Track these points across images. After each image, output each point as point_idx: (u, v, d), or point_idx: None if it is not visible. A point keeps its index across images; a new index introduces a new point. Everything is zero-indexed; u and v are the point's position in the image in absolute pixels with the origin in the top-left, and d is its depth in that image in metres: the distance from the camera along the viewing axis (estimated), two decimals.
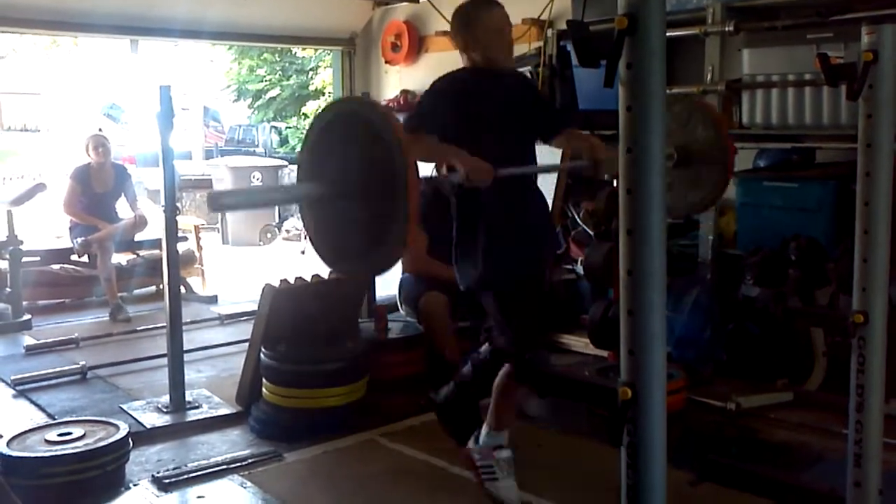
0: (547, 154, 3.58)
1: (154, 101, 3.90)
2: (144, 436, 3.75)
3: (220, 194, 2.13)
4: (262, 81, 18.20)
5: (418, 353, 4.19)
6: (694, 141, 3.30)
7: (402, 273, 4.45)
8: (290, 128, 17.97)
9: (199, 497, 3.20)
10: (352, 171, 2.08)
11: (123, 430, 3.36)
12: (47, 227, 7.07)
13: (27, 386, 4.48)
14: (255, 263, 9.12)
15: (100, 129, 7.67)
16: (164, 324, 4.12)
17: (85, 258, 6.34)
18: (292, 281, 4.15)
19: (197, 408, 4.09)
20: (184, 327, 4.15)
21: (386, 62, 6.96)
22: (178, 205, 4.38)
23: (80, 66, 18.61)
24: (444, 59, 6.42)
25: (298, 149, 3.07)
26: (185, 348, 4.13)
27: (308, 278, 4.16)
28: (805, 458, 3.42)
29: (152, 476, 3.32)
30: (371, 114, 2.10)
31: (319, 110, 2.36)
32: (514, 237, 2.94)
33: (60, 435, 3.28)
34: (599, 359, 4.77)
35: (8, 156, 11.25)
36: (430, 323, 4.14)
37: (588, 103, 5.39)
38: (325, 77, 14.56)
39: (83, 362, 4.73)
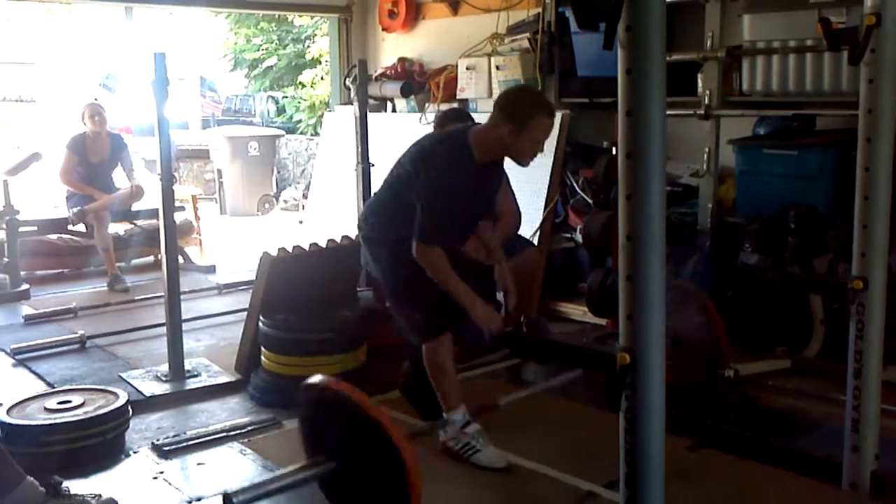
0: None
1: (149, 69, 3.86)
2: (144, 404, 3.76)
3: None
4: (258, 50, 18.04)
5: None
6: (685, 328, 3.29)
7: None
8: (286, 97, 17.84)
9: (198, 464, 3.21)
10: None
11: (123, 398, 3.36)
12: (44, 197, 7.04)
13: (26, 355, 4.48)
14: (253, 233, 9.10)
15: (95, 99, 7.59)
16: (163, 293, 4.12)
17: (82, 228, 6.32)
18: (290, 250, 4.14)
19: (196, 376, 4.10)
20: (182, 297, 4.15)
21: (383, 29, 6.89)
22: (175, 174, 4.35)
23: (75, 35, 18.44)
24: (441, 27, 6.39)
25: None
26: (183, 318, 4.13)
27: (306, 247, 4.15)
28: (803, 425, 3.43)
29: (152, 444, 3.34)
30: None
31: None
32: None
33: (60, 403, 3.29)
34: (598, 327, 4.79)
35: (3, 126, 11.18)
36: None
37: (587, 70, 5.36)
38: (322, 45, 14.42)
39: (82, 331, 4.74)
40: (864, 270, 2.59)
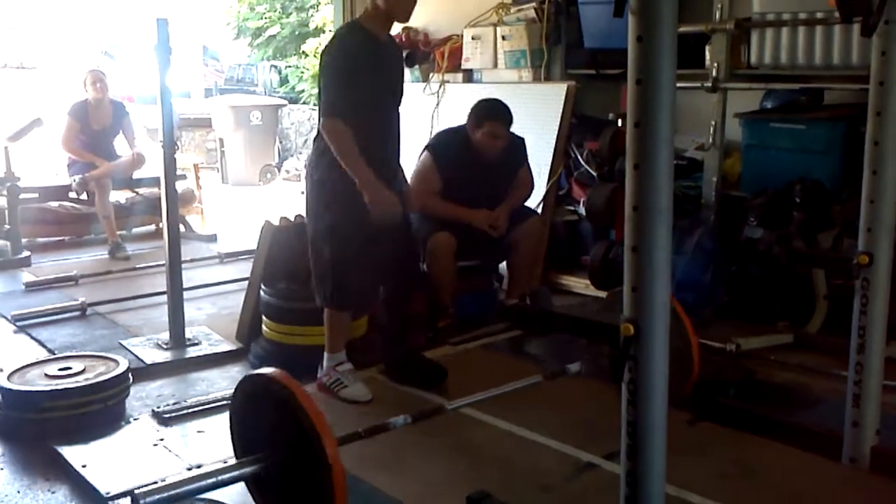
0: None
1: (151, 35, 3.83)
2: (144, 372, 3.76)
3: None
4: (261, 19, 17.93)
5: (418, 292, 4.18)
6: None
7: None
8: (289, 67, 17.75)
9: (199, 431, 3.21)
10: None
11: (123, 365, 3.36)
12: (45, 164, 7.01)
13: (27, 322, 4.48)
14: (255, 203, 9.08)
15: (97, 66, 7.54)
16: (164, 262, 4.11)
17: (84, 195, 6.30)
18: (292, 219, 4.12)
19: (196, 345, 4.10)
20: (183, 266, 4.13)
21: None
22: (177, 143, 4.33)
23: (77, 2, 18.31)
24: None
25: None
26: (184, 286, 4.12)
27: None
28: (804, 399, 3.43)
29: (152, 411, 3.34)
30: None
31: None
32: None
33: (61, 370, 3.28)
34: (599, 300, 4.78)
35: (4, 93, 11.13)
36: (434, 264, 4.13)
37: (594, 42, 5.29)
38: (326, 14, 14.32)
39: (83, 299, 4.73)
40: (870, 245, 2.57)
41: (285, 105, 12.63)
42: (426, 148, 4.33)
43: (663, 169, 1.59)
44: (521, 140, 4.35)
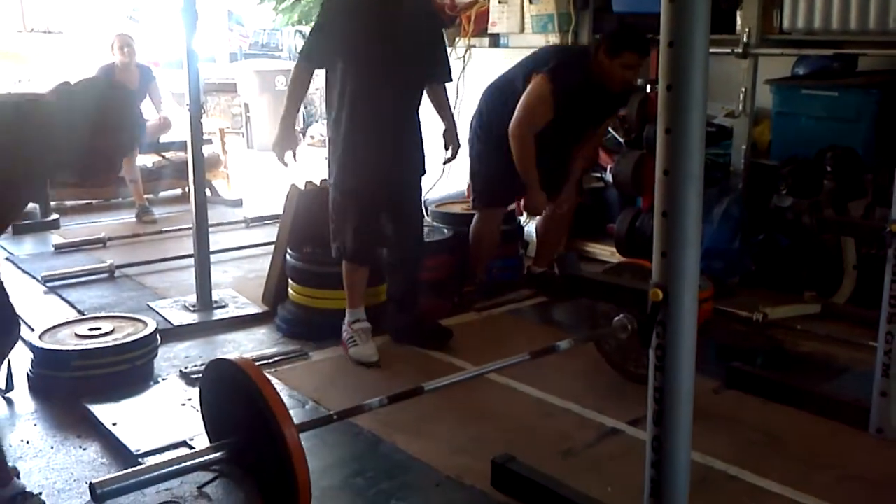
0: None
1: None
2: (172, 333, 3.80)
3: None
4: None
5: (443, 257, 4.19)
6: None
7: None
8: None
9: None
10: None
11: (152, 325, 3.41)
12: None
13: (57, 283, 4.54)
14: (280, 168, 9.08)
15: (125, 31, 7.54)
16: (190, 225, 4.13)
17: None
18: (318, 184, 4.13)
19: (223, 307, 4.13)
20: (209, 229, 4.16)
21: None
22: (203, 108, 4.34)
23: None
24: None
25: None
26: (210, 250, 4.15)
27: None
28: (830, 369, 3.41)
29: (180, 371, 3.38)
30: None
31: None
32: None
33: (90, 330, 3.34)
34: None
35: (31, 58, 11.17)
36: (479, 239, 4.16)
37: (623, 6, 5.20)
38: None
39: (111, 261, 4.78)
40: None
41: None
42: (546, 71, 3.81)
43: (695, 133, 1.57)
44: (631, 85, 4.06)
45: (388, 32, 3.30)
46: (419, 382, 2.64)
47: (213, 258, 4.22)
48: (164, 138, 6.54)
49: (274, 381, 3.27)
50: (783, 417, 2.95)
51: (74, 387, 3.12)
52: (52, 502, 2.47)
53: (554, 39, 5.39)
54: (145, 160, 6.59)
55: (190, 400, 3.12)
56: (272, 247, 4.28)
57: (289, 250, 3.94)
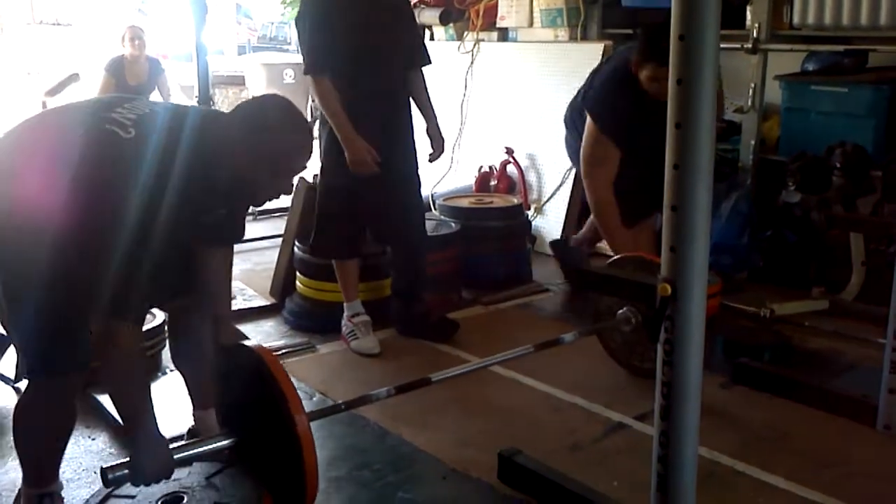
0: None
1: None
2: None
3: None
4: None
5: (450, 252, 4.19)
6: None
7: None
8: None
9: None
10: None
11: (159, 317, 3.41)
12: None
13: None
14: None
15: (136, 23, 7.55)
16: None
17: None
18: None
19: (231, 299, 4.13)
20: None
21: None
22: (211, 101, 4.35)
23: None
24: None
25: None
26: None
27: None
28: (838, 365, 3.40)
29: None
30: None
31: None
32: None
33: None
34: None
35: (40, 49, 11.20)
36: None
37: (632, 0, 5.20)
38: None
39: None
40: None
41: None
42: (589, 108, 3.61)
43: (705, 128, 1.56)
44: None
45: (365, 23, 3.32)
46: (426, 374, 2.64)
47: None
48: None
49: None
50: (790, 413, 2.95)
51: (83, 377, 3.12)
52: (62, 492, 2.48)
53: (563, 34, 5.39)
54: None
55: None
56: (280, 239, 4.29)
57: (297, 243, 3.94)
